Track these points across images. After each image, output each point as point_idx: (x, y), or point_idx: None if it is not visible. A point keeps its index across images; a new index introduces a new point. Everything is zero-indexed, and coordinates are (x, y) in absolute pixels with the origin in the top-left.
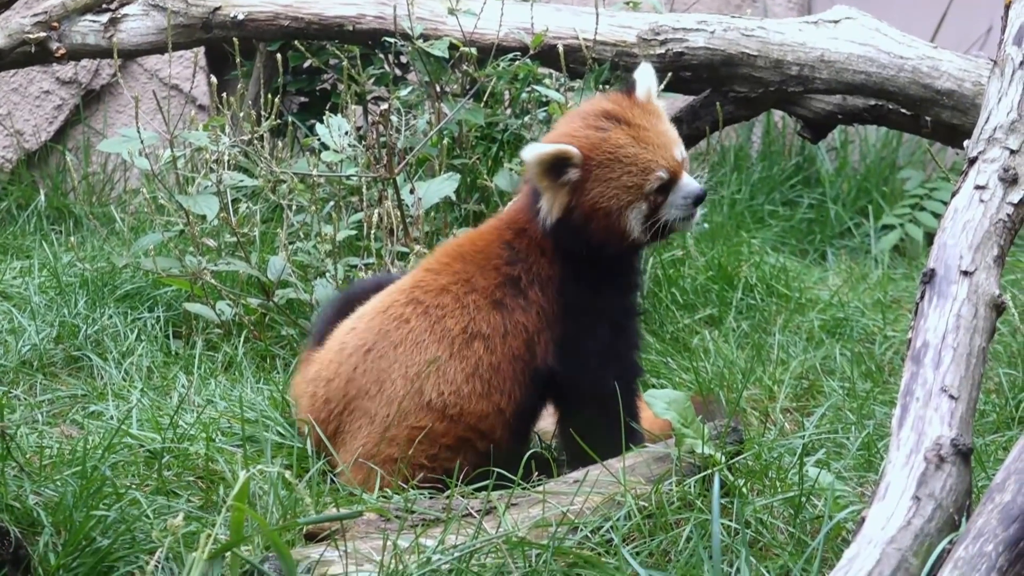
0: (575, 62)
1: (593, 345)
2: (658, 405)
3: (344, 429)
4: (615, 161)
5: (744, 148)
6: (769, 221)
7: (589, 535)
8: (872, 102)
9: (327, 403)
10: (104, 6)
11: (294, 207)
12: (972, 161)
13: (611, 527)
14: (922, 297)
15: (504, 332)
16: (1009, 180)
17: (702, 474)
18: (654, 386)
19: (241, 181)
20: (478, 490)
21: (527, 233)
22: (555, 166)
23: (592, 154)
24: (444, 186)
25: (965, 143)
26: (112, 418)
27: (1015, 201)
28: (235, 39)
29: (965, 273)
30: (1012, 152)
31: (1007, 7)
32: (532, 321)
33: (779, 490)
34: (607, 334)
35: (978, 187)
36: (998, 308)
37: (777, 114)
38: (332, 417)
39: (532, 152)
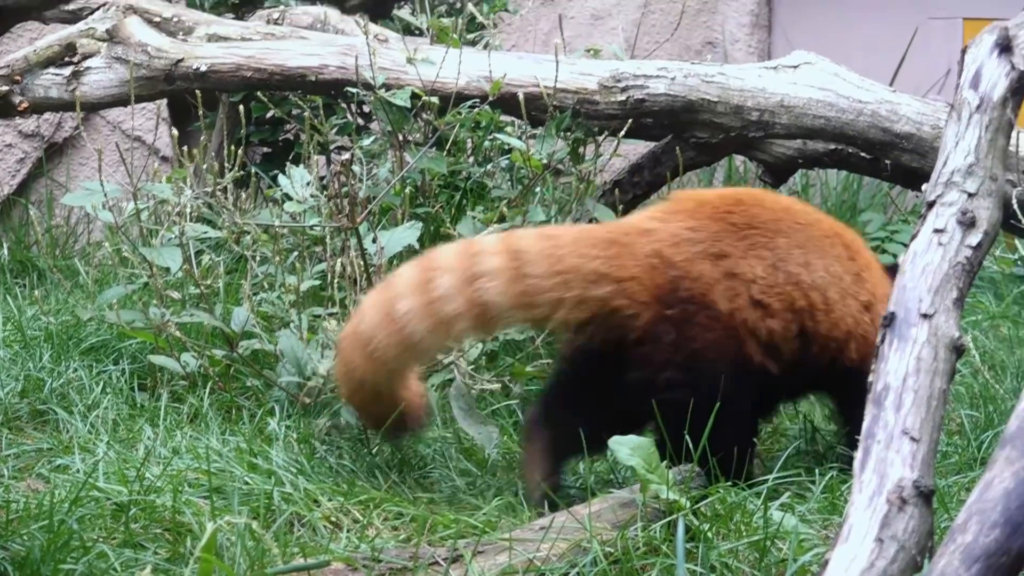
0: (536, 110)
1: None
2: (622, 451)
3: None
4: None
5: None
6: None
7: None
8: (832, 146)
9: None
10: (67, 59)
11: (258, 258)
12: (930, 204)
13: (577, 573)
14: (882, 340)
15: None
16: (967, 223)
17: (667, 519)
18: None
19: (204, 233)
20: (444, 538)
21: None
22: None
23: None
24: (407, 235)
25: (923, 186)
26: (78, 471)
27: (973, 244)
28: (198, 91)
29: (925, 316)
30: (970, 195)
31: (963, 51)
32: None
33: (744, 534)
34: None
35: (937, 230)
36: (958, 350)
37: (738, 159)
38: None
39: None
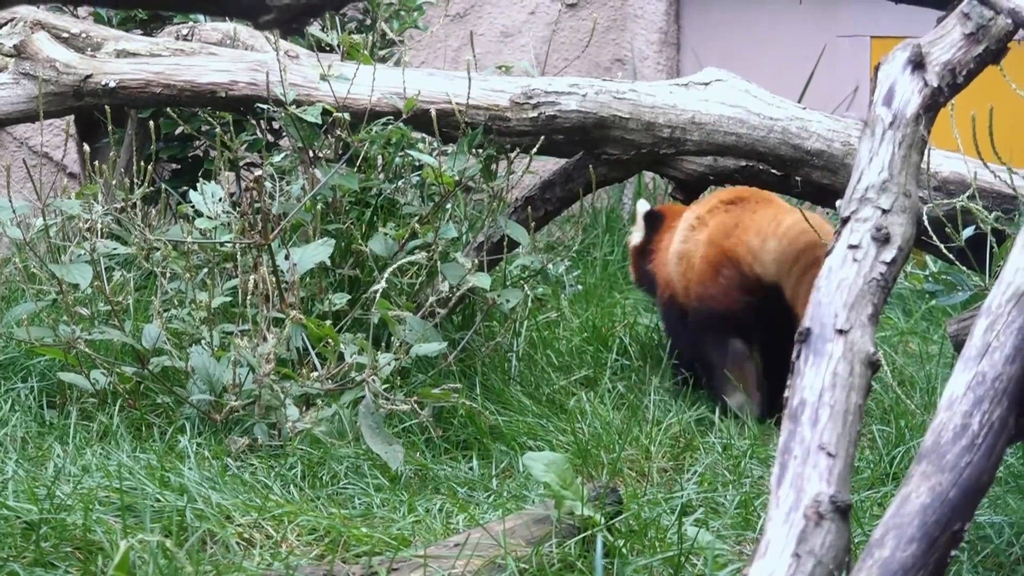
0: (448, 126)
1: None
2: (536, 467)
3: None
4: None
5: (616, 210)
6: None
7: None
8: (743, 163)
9: None
10: None
11: (168, 274)
12: (845, 221)
13: None
14: (798, 355)
15: None
16: (882, 239)
17: (582, 535)
18: (532, 448)
19: (114, 249)
20: (359, 555)
21: None
22: None
23: None
24: (319, 252)
25: (837, 203)
26: None
27: (888, 260)
28: (107, 107)
29: (840, 332)
30: (884, 211)
31: (877, 68)
32: None
33: (658, 550)
34: None
35: (851, 246)
36: (873, 366)
37: (648, 175)
38: None
39: None
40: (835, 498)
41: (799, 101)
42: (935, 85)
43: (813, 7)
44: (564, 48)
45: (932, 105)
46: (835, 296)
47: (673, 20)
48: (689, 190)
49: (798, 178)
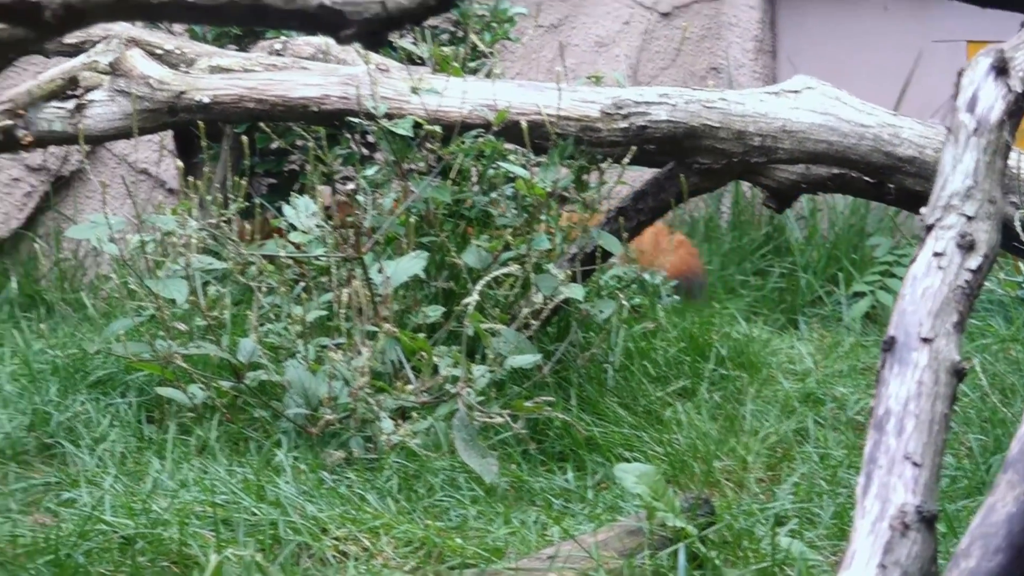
0: (539, 138)
1: None
2: (628, 479)
3: None
4: None
5: (714, 219)
6: (740, 291)
7: None
8: (835, 170)
9: None
10: (69, 92)
11: (263, 289)
12: (929, 228)
13: None
14: (883, 365)
15: None
16: (966, 246)
17: (674, 547)
18: (627, 460)
19: (210, 264)
20: (453, 567)
21: None
22: None
23: None
24: (412, 264)
25: (922, 210)
26: (85, 505)
27: (973, 267)
28: (201, 122)
29: (925, 340)
30: (969, 218)
31: (959, 74)
32: None
33: (752, 561)
34: None
35: (936, 254)
36: (959, 374)
37: (746, 184)
38: None
39: None
40: (921, 508)
41: (895, 107)
42: (1019, 91)
43: (908, 12)
44: (658, 57)
45: (1016, 111)
46: (920, 304)
47: (768, 28)
48: (782, 199)
49: (891, 185)
